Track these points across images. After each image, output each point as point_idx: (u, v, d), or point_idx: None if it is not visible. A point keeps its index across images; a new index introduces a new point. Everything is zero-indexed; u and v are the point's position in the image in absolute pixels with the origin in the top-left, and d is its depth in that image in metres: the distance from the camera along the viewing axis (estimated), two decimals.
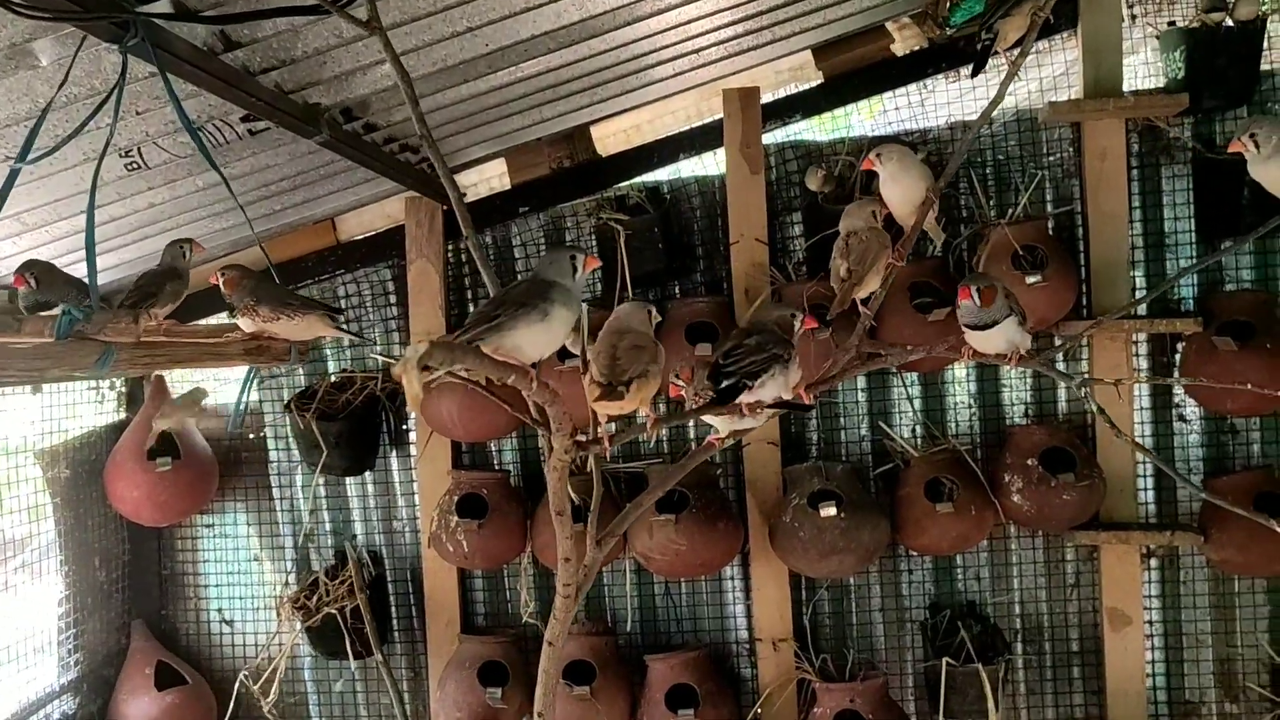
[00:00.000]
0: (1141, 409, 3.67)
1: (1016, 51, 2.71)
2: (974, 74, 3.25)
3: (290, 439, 3.89)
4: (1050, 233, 3.55)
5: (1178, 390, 3.66)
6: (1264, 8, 3.48)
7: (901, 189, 2.86)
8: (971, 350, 2.72)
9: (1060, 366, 3.70)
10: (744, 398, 2.45)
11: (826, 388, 2.73)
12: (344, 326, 2.51)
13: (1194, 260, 3.63)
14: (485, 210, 3.85)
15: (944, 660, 3.53)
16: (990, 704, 3.48)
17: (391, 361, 3.12)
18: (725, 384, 2.40)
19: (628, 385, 2.20)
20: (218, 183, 2.90)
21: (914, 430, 3.78)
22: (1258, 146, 2.76)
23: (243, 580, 4.07)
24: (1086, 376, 3.38)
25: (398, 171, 3.17)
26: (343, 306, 3.93)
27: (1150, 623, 3.70)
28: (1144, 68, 3.81)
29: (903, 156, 2.87)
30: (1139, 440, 3.63)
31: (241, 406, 2.79)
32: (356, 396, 3.72)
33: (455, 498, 3.66)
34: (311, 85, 2.50)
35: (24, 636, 3.67)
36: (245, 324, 2.46)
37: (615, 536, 2.64)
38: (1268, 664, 3.66)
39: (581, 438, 2.32)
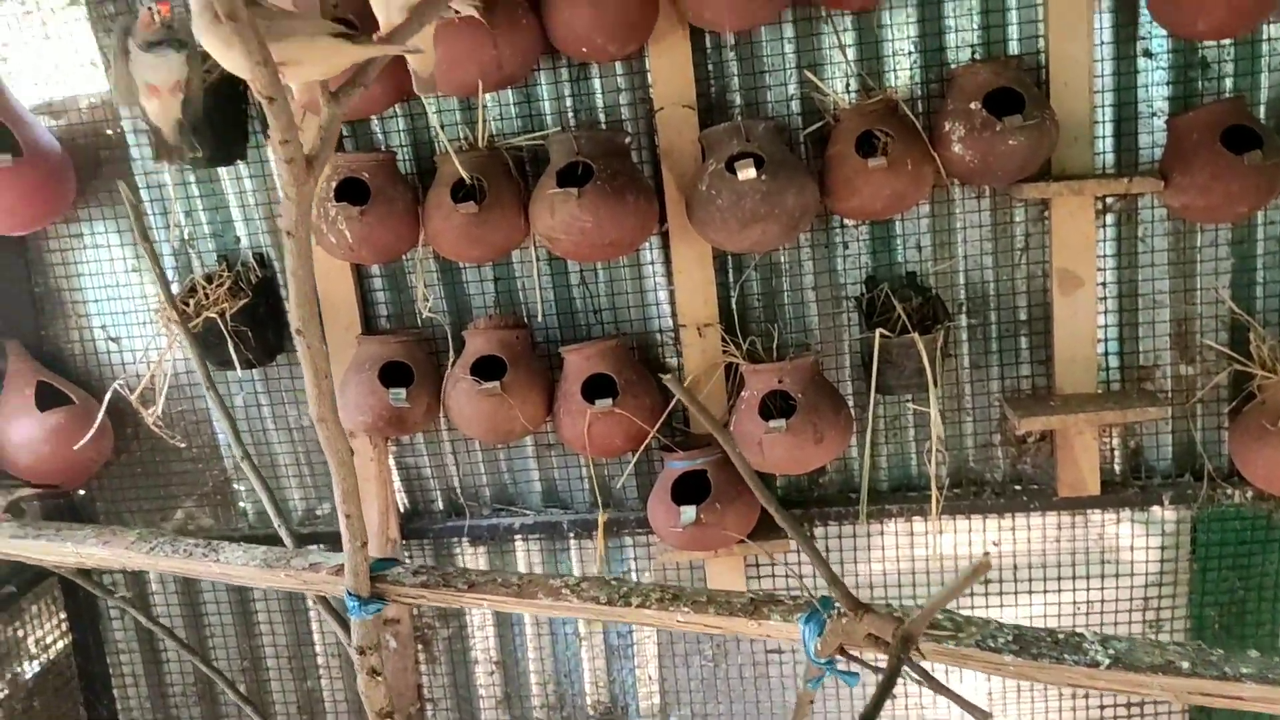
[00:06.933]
0: (1102, 44, 3.23)
1: None
2: None
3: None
4: None
5: (1144, 16, 3.20)
6: None
7: None
8: None
9: None
10: None
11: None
12: None
13: None
14: None
15: (877, 331, 3.26)
16: (929, 375, 3.25)
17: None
18: None
19: None
20: None
21: (848, 85, 3.36)
22: None
23: (124, 294, 3.72)
24: None
25: None
26: None
27: (1104, 284, 3.41)
28: None
29: None
30: (1098, 80, 3.23)
31: None
32: (212, 71, 3.25)
33: (334, 183, 3.26)
34: None
35: None
36: None
37: (357, 88, 2.11)
38: (1227, 321, 3.41)
39: None
